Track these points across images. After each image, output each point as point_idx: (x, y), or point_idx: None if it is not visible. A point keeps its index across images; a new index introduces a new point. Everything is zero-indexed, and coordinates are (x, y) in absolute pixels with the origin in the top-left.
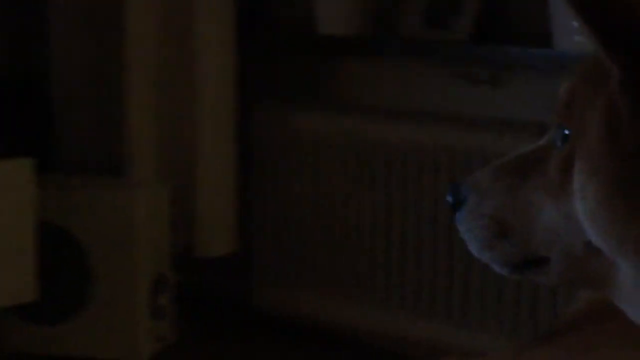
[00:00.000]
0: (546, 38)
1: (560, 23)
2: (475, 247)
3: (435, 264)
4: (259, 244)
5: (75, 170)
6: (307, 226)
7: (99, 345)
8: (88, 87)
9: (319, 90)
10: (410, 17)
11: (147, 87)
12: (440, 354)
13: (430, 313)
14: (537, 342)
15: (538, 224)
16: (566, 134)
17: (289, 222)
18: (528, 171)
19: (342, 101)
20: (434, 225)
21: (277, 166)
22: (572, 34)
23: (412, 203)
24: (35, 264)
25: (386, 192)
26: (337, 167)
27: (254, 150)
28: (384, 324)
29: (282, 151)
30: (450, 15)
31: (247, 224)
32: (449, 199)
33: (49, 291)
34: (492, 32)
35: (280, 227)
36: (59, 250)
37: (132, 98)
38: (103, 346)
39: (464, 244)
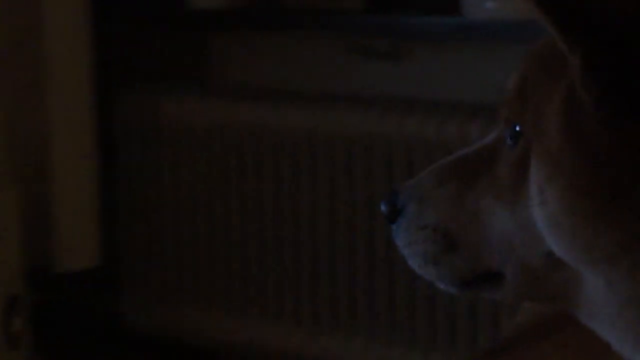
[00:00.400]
0: (453, 5)
1: None
2: (417, 263)
3: (336, 274)
4: (127, 255)
5: None
6: (182, 232)
7: None
8: None
9: (192, 72)
10: None
11: None
12: None
13: (332, 330)
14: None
15: (489, 235)
16: (518, 131)
17: (161, 227)
18: (475, 174)
19: (220, 84)
20: (332, 227)
21: (146, 162)
22: (483, 0)
23: (306, 201)
24: None
25: (275, 188)
26: (216, 160)
27: (118, 145)
28: (270, 340)
29: (150, 144)
30: None
31: (112, 231)
32: (384, 208)
33: None
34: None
35: (151, 234)
36: None
37: None
38: None
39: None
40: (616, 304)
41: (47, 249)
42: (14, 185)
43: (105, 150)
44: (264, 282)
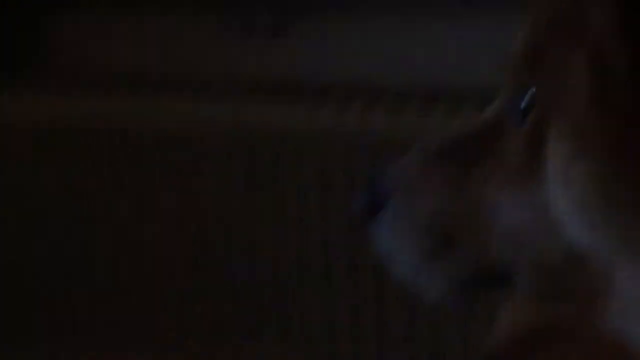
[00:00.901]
0: None
1: None
2: (407, 267)
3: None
4: None
5: None
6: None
7: None
8: None
9: (31, 60)
10: None
11: None
12: None
13: None
14: None
15: (496, 226)
16: (528, 104)
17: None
18: (475, 156)
19: (60, 74)
20: (201, 226)
21: None
22: None
23: (176, 203)
24: None
25: (149, 193)
26: (57, 165)
27: None
28: None
29: None
30: None
31: None
32: (361, 201)
33: None
34: None
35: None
36: None
37: None
38: None
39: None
40: None
41: None
42: None
43: None
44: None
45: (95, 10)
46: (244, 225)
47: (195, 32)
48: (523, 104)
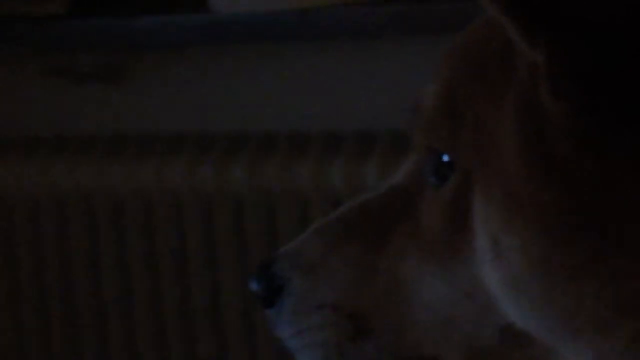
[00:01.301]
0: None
1: None
2: (313, 359)
3: None
4: None
5: None
6: None
7: None
8: None
9: None
10: None
11: None
12: None
13: None
14: None
15: (416, 310)
16: (447, 163)
17: None
18: (385, 229)
19: None
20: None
21: None
22: None
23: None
24: None
25: None
26: None
27: None
28: None
29: None
30: None
31: None
32: (255, 287)
33: None
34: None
35: None
36: None
37: None
38: None
39: None
40: None
41: None
42: None
43: None
44: None
45: None
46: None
47: (17, 78)
48: (439, 165)
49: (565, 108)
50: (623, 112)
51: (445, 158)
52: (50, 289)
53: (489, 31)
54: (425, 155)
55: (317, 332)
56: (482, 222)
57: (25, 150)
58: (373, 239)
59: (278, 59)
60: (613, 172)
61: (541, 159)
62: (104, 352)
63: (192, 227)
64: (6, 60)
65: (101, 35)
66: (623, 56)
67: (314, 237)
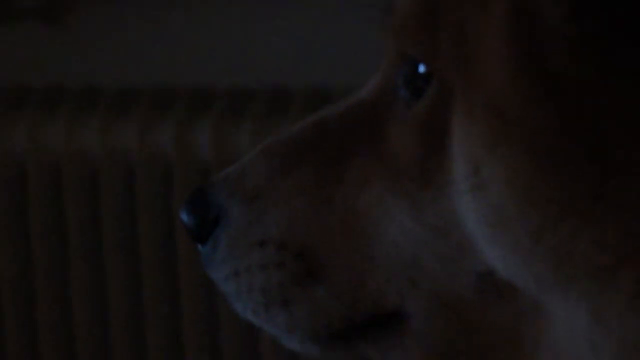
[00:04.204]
0: None
1: None
2: (249, 305)
3: None
4: None
5: None
6: None
7: None
8: None
9: None
10: None
11: None
12: None
13: None
14: None
15: (377, 250)
16: (424, 74)
17: None
18: (345, 152)
19: None
20: None
21: None
22: None
23: None
24: None
25: None
26: None
27: None
28: None
29: None
30: None
31: None
32: (186, 218)
33: None
34: None
35: None
36: None
37: None
38: None
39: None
40: (607, 354)
41: None
42: None
43: None
44: None
45: None
46: None
47: None
48: (414, 75)
49: (564, 11)
50: (633, 19)
51: (422, 69)
52: None
53: None
54: (397, 65)
55: (257, 273)
56: (461, 145)
57: None
58: (330, 163)
59: None
60: (618, 89)
61: (533, 70)
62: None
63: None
64: None
65: None
66: None
67: (260, 159)
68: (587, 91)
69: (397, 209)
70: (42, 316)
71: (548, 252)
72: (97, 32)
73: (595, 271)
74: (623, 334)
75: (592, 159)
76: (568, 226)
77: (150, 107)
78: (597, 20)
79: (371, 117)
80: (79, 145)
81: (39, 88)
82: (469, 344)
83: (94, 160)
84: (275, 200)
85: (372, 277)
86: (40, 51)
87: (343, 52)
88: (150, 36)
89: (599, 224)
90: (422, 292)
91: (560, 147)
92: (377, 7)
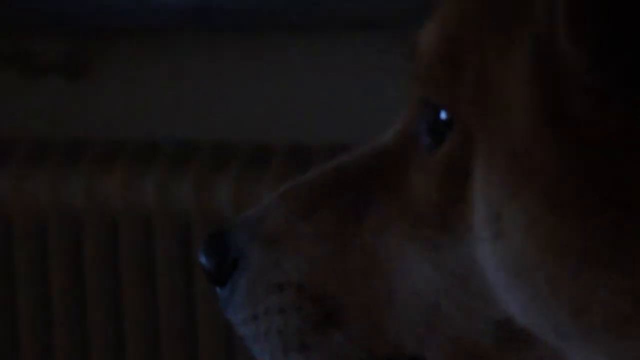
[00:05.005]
0: None
1: None
2: (270, 348)
3: None
4: None
5: None
6: None
7: None
8: None
9: None
10: None
11: None
12: None
13: None
14: None
15: (397, 296)
16: (446, 120)
17: None
18: (366, 197)
19: None
20: None
21: None
22: None
23: None
24: None
25: None
26: None
27: None
28: None
29: None
30: None
31: None
32: (205, 261)
33: None
34: None
35: None
36: None
37: None
38: None
39: None
40: None
41: None
42: None
43: None
44: None
45: None
46: None
47: None
48: (436, 122)
49: (586, 57)
50: None
51: (443, 115)
52: None
53: None
54: (419, 111)
55: (275, 317)
56: (482, 192)
57: None
58: (350, 208)
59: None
60: (637, 137)
61: (555, 118)
62: None
63: (162, 254)
64: None
65: (62, 18)
66: None
67: (280, 202)
68: (607, 139)
69: (416, 256)
70: None
71: (567, 301)
72: (118, 86)
73: (613, 320)
74: None
75: (612, 207)
76: (588, 275)
77: (170, 162)
78: (620, 69)
79: (391, 163)
80: (98, 199)
81: (60, 142)
82: None
83: (114, 213)
84: (294, 244)
85: (391, 323)
86: (62, 105)
87: (359, 108)
88: (169, 90)
89: (618, 273)
90: (441, 339)
91: (581, 196)
92: (400, 54)
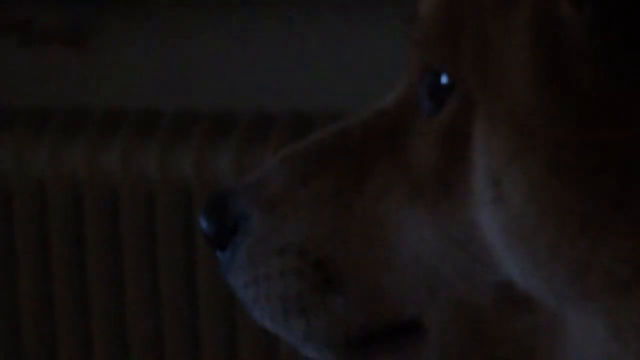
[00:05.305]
0: None
1: None
2: (270, 312)
3: None
4: None
5: None
6: None
7: None
8: None
9: None
10: None
11: None
12: None
13: None
14: None
15: (397, 260)
16: (446, 85)
17: None
18: (367, 161)
19: None
20: None
21: None
22: None
23: None
24: None
25: None
26: None
27: None
28: None
29: None
30: None
31: None
32: (205, 225)
33: None
34: None
35: None
36: None
37: None
38: None
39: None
40: None
41: None
42: None
43: None
44: None
45: None
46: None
47: None
48: (436, 87)
49: (588, 21)
50: None
51: (444, 79)
52: None
53: None
54: (420, 76)
55: (276, 281)
56: (483, 157)
57: None
58: (351, 172)
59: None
60: (638, 101)
61: (556, 82)
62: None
63: (164, 223)
64: None
65: None
66: None
67: (281, 167)
68: (608, 102)
69: (416, 220)
70: (61, 343)
71: (567, 265)
72: (118, 55)
73: (613, 284)
74: (639, 343)
75: (611, 171)
76: (587, 239)
77: (171, 131)
78: (621, 30)
79: (392, 128)
80: (99, 169)
81: (61, 110)
82: (485, 355)
83: (115, 183)
84: (295, 208)
85: (391, 288)
86: (61, 74)
87: (360, 77)
88: (170, 58)
89: (618, 237)
90: (441, 303)
91: (581, 159)
92: (401, 18)
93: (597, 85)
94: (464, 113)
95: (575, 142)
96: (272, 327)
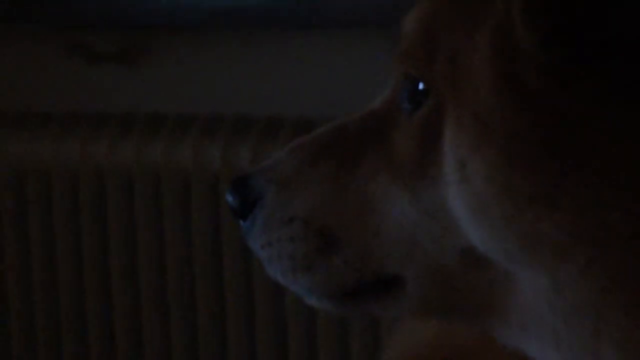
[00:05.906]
0: None
1: None
2: (280, 269)
3: None
4: None
5: None
6: None
7: None
8: None
9: None
10: None
11: None
12: None
13: None
14: None
15: (383, 227)
16: (422, 90)
17: None
18: (360, 150)
19: None
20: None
21: None
22: None
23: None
24: None
25: None
26: None
27: None
28: None
29: None
30: None
31: None
32: (231, 199)
33: None
34: None
35: None
36: None
37: None
38: None
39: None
40: (563, 313)
41: None
42: None
43: None
44: None
45: None
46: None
47: (34, 57)
48: (414, 91)
49: (538, 40)
50: (596, 48)
51: (421, 86)
52: (61, 260)
53: None
54: (402, 83)
55: (286, 244)
56: (451, 147)
57: (39, 126)
58: (347, 158)
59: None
60: (581, 108)
61: (512, 90)
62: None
63: (198, 205)
64: (22, 38)
65: (117, 15)
66: None
67: (290, 154)
68: (553, 106)
69: (398, 196)
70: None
71: (517, 232)
72: (160, 71)
73: (554, 248)
74: (575, 295)
75: (553, 159)
76: (534, 213)
77: (203, 131)
78: (565, 48)
79: (380, 124)
80: (147, 160)
81: (113, 115)
82: (452, 303)
83: (159, 173)
84: (302, 186)
85: (378, 250)
86: (115, 87)
87: (355, 91)
88: (201, 73)
89: (559, 210)
90: (417, 262)
91: (531, 151)
92: (392, 39)
93: (545, 93)
94: (436, 113)
95: (526, 138)
96: (282, 281)
